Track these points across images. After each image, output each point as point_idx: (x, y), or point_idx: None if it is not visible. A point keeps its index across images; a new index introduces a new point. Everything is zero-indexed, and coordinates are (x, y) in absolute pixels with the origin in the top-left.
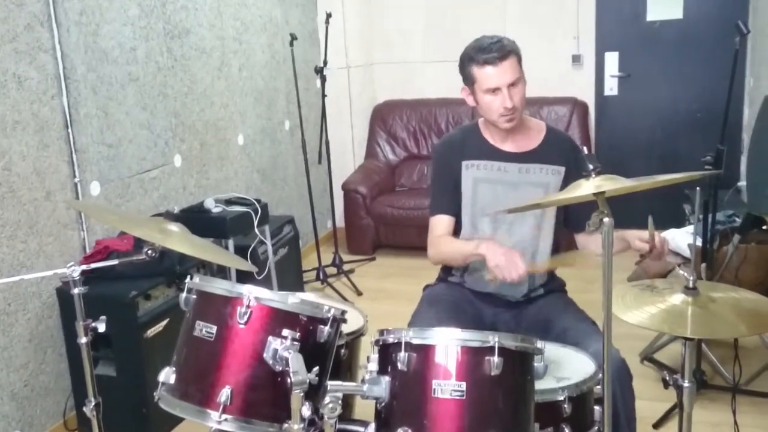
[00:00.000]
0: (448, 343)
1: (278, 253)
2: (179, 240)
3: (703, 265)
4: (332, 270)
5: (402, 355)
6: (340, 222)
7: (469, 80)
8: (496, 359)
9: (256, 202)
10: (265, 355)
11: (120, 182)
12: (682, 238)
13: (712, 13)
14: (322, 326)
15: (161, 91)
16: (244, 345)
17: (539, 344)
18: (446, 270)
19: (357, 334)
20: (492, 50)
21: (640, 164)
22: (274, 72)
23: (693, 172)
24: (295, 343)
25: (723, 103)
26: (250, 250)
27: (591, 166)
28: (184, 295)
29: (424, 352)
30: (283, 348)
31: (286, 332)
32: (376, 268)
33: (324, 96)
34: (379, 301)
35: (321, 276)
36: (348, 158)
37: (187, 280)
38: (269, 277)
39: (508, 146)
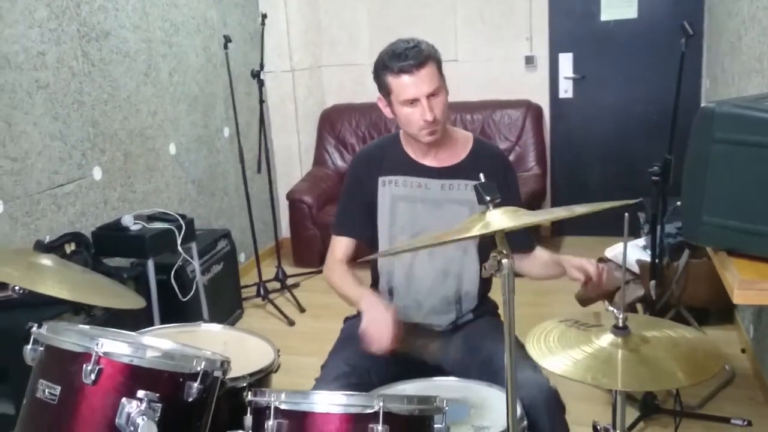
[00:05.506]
0: (324, 410)
1: (211, 270)
2: (52, 278)
3: (653, 282)
4: (275, 285)
5: (271, 423)
6: (286, 233)
7: (384, 90)
8: (380, 428)
9: (180, 218)
10: (117, 421)
11: (27, 199)
12: (631, 253)
13: (667, 12)
14: (190, 382)
15: (76, 98)
16: (92, 409)
17: (440, 402)
18: None
19: (265, 372)
20: (408, 57)
21: (595, 168)
22: (210, 76)
23: (611, 202)
24: (155, 404)
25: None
26: (174, 269)
27: (488, 198)
28: (29, 347)
29: (297, 420)
30: (137, 412)
31: (141, 393)
32: (323, 281)
33: (262, 101)
34: (323, 319)
35: (261, 292)
36: (294, 166)
37: (34, 329)
38: (198, 298)
39: (429, 161)
